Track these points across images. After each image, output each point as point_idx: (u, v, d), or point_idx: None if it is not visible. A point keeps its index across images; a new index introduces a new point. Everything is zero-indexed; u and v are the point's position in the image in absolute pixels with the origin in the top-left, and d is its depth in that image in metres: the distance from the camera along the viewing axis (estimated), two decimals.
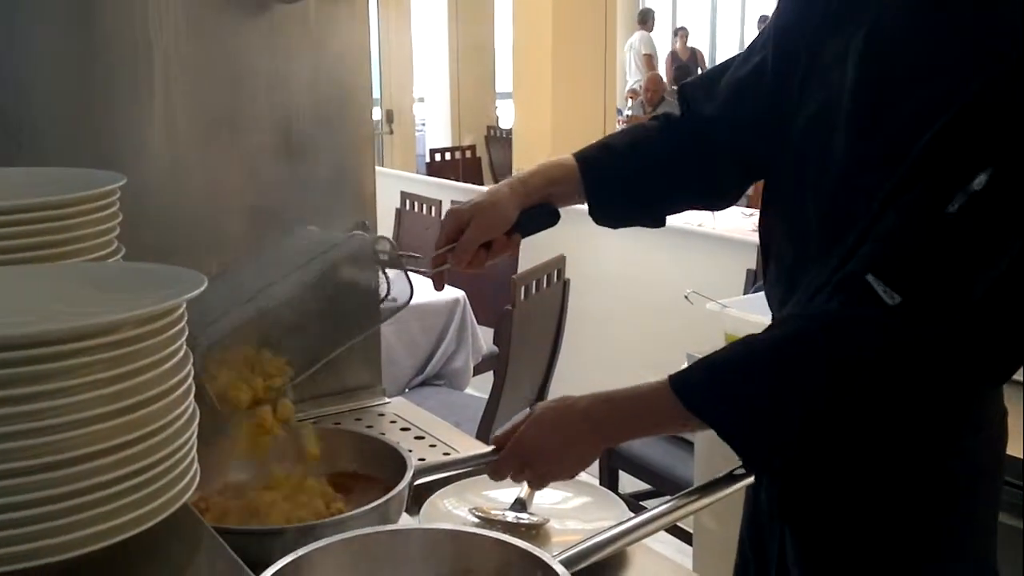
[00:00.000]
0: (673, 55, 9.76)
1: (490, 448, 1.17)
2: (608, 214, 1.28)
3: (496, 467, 1.14)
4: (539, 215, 1.24)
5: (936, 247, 0.95)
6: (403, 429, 1.59)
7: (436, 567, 0.80)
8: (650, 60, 9.19)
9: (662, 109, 6.88)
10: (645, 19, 9.77)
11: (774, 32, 1.18)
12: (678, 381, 1.04)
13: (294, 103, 1.65)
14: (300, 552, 0.76)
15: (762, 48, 1.20)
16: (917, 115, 0.95)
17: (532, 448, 1.09)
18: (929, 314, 0.96)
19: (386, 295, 1.27)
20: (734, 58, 1.26)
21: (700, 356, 2.14)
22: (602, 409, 1.08)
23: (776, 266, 1.19)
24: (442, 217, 1.27)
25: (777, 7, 1.20)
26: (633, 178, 1.25)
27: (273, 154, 1.62)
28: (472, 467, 1.23)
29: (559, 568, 0.76)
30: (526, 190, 1.22)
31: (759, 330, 2.08)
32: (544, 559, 0.77)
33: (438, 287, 1.25)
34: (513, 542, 0.80)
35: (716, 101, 1.23)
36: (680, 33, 9.86)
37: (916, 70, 0.97)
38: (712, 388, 1.03)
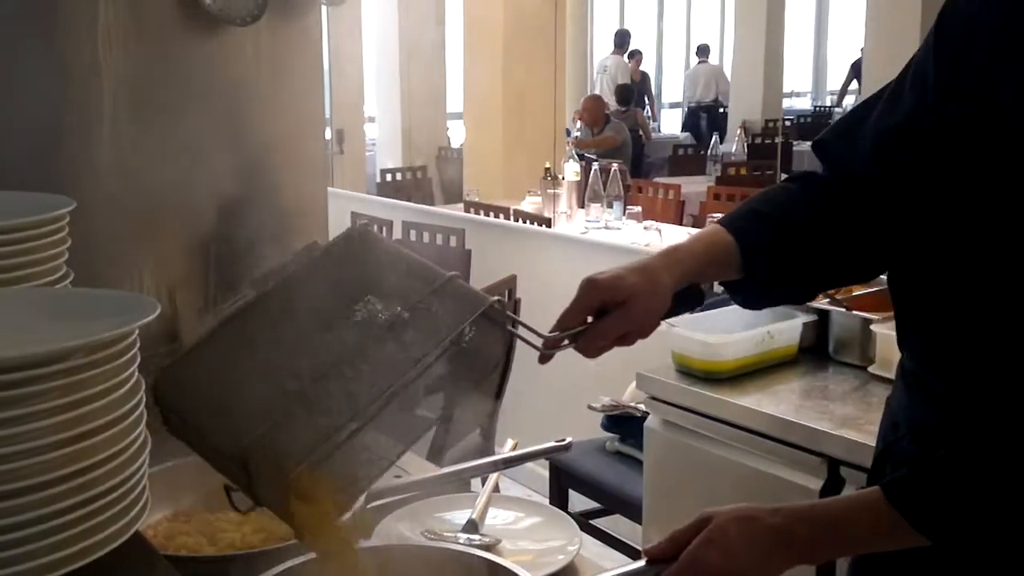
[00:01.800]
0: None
1: (641, 563, 0.97)
2: (759, 293, 1.12)
3: None
4: (688, 297, 1.07)
5: None
6: None
7: None
8: (624, 89, 9.22)
9: (608, 132, 6.97)
10: (622, 42, 9.80)
11: (936, 66, 1.01)
12: (895, 491, 0.92)
13: (246, 125, 1.65)
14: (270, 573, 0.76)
15: (911, 90, 1.04)
16: None
17: (716, 570, 0.94)
18: None
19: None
20: (867, 105, 1.11)
21: (649, 375, 2.20)
22: (801, 530, 0.95)
23: (921, 325, 1.06)
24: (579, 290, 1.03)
25: (936, 33, 1.03)
26: (792, 253, 1.08)
27: (224, 177, 1.62)
28: (424, 489, 1.24)
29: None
30: (684, 271, 1.06)
31: (705, 348, 2.11)
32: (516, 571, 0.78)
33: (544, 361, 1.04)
34: (498, 560, 0.81)
35: (864, 157, 1.08)
36: (635, 57, 9.97)
37: None
38: (932, 495, 0.91)
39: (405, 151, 6.44)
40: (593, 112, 7.02)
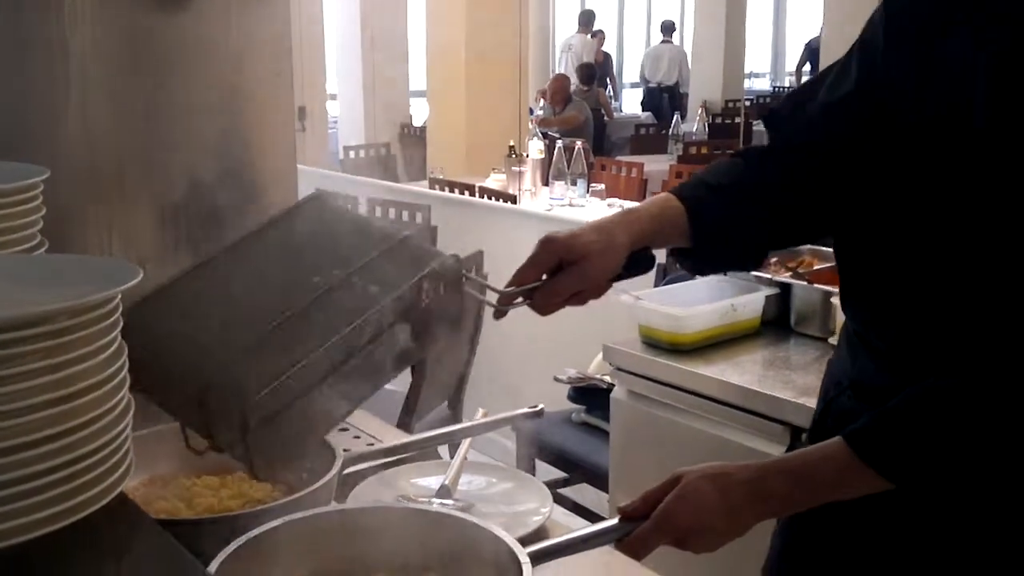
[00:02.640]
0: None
1: (614, 520, 1.01)
2: (708, 259, 1.17)
3: (640, 544, 0.99)
4: (640, 260, 1.09)
5: None
6: None
7: (392, 544, 0.82)
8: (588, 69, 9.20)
9: (570, 110, 6.98)
10: (587, 21, 9.75)
11: (884, 39, 1.06)
12: (856, 438, 0.96)
13: (214, 99, 1.65)
14: (253, 533, 0.78)
15: (859, 63, 1.09)
16: None
17: (690, 526, 0.98)
18: None
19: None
20: (818, 79, 1.16)
21: (616, 347, 2.23)
22: (776, 482, 0.99)
23: (866, 284, 1.11)
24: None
25: (884, 5, 1.08)
26: (738, 220, 1.12)
27: (193, 151, 1.61)
28: (398, 456, 1.26)
29: (516, 547, 0.79)
30: (639, 232, 1.08)
31: (671, 320, 2.15)
32: (504, 538, 0.80)
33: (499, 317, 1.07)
34: (476, 521, 0.83)
35: (813, 127, 1.13)
36: (597, 36, 9.97)
37: None
38: (894, 442, 0.96)
39: (368, 129, 6.40)
40: (557, 91, 7.04)
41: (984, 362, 0.95)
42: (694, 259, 1.16)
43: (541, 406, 1.34)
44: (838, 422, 1.05)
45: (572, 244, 1.04)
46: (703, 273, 1.21)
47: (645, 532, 0.99)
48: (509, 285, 1.04)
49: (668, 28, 9.91)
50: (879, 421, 0.97)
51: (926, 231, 1.02)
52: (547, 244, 1.04)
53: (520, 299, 1.04)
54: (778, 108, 1.22)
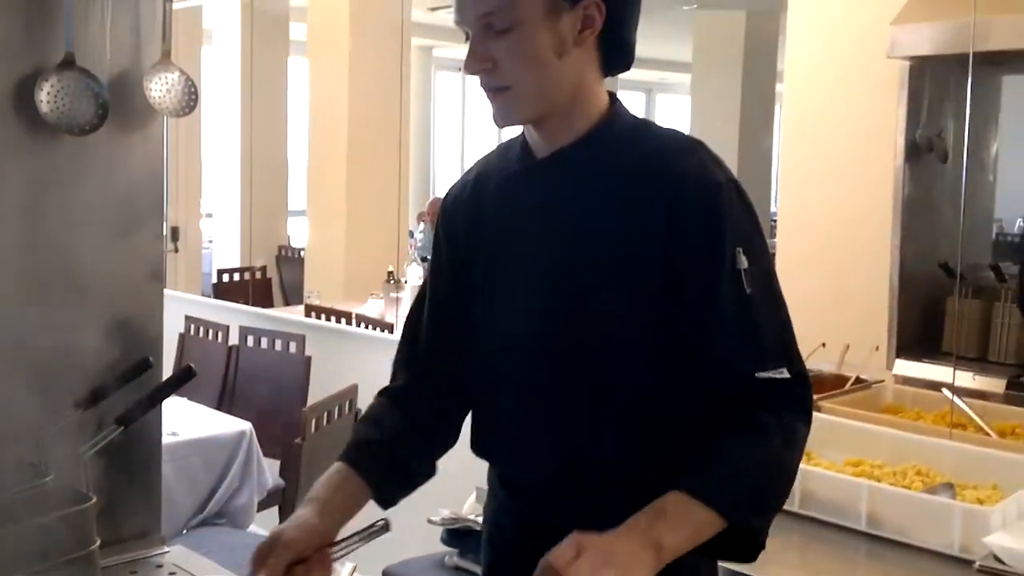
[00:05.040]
0: None
1: None
2: (392, 498, 1.34)
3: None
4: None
5: (767, 319, 1.16)
6: None
7: None
8: None
9: None
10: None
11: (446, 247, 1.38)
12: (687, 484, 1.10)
13: (80, 237, 1.60)
14: None
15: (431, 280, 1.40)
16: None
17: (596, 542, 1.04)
18: (804, 372, 1.18)
19: None
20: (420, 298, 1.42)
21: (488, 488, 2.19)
22: (658, 527, 1.06)
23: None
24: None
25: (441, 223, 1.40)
26: (401, 462, 1.33)
27: (57, 289, 1.56)
28: None
29: None
30: (327, 504, 1.25)
31: None
32: None
33: None
34: None
35: (423, 344, 1.39)
36: None
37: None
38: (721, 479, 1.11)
39: (244, 250, 6.30)
40: (436, 214, 7.10)
41: (746, 420, 1.13)
42: (382, 503, 1.33)
43: (384, 519, 1.29)
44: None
45: (265, 539, 1.20)
46: (390, 506, 1.35)
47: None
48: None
49: None
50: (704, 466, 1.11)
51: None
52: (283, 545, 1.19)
53: None
54: (399, 354, 1.45)
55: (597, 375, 1.21)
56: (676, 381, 1.19)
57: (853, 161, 3.44)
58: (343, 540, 1.21)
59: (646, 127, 1.26)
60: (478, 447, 1.36)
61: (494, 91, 1.19)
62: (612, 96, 1.26)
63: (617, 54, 1.23)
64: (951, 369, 2.89)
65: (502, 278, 1.28)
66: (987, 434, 2.29)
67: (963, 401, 2.42)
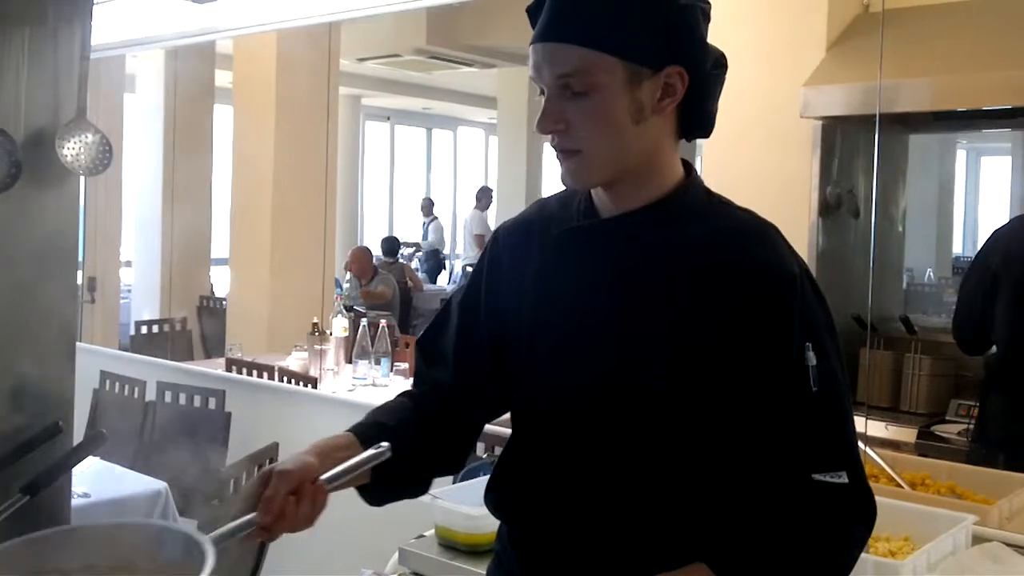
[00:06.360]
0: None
1: None
2: (383, 494, 1.28)
3: None
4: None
5: (831, 422, 1.14)
6: None
7: None
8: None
9: (378, 284, 7.04)
10: (480, 197, 10.20)
11: (485, 288, 1.32)
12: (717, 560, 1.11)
13: None
14: None
15: (460, 308, 1.34)
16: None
17: None
18: (865, 481, 1.16)
19: None
20: (445, 313, 1.37)
21: (411, 549, 2.17)
22: None
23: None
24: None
25: (486, 260, 1.34)
26: (404, 461, 1.25)
27: None
28: None
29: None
30: (325, 450, 1.20)
31: (467, 522, 2.12)
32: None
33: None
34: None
35: (448, 369, 1.33)
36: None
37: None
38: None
39: (164, 300, 6.16)
40: (361, 263, 7.07)
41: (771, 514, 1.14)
42: (370, 495, 1.27)
43: (387, 445, 1.27)
44: None
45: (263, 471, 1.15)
46: (380, 504, 1.30)
47: None
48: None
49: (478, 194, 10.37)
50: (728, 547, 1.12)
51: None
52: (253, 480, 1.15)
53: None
54: (425, 338, 1.40)
55: (637, 451, 1.17)
56: (719, 470, 1.16)
57: (771, 217, 3.54)
58: (342, 469, 1.16)
59: (720, 203, 1.23)
60: (493, 503, 1.31)
61: (565, 153, 1.16)
62: (688, 165, 1.23)
63: (697, 122, 1.20)
64: (863, 419, 2.97)
65: (548, 330, 1.23)
66: (899, 485, 2.35)
67: (875, 452, 2.48)
